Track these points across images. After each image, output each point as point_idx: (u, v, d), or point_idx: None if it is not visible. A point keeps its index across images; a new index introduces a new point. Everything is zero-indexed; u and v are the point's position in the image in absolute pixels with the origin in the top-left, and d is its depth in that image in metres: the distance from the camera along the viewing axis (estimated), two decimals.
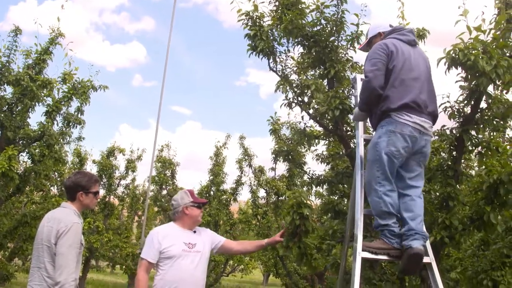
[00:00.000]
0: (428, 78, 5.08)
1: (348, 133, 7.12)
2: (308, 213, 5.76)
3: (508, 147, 6.53)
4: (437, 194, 6.42)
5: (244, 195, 25.66)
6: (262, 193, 18.35)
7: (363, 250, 4.91)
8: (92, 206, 4.85)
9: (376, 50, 4.99)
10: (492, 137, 6.60)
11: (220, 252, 5.64)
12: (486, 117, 5.99)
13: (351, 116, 6.93)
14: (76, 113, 12.18)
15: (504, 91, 6.09)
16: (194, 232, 5.26)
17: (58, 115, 11.58)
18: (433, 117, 5.01)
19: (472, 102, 5.99)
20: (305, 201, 5.84)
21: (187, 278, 4.97)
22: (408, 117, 4.77)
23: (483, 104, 6.08)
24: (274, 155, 16.00)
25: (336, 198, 7.90)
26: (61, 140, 12.15)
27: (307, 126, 7.71)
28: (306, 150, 8.78)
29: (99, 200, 20.89)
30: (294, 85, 7.05)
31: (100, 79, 11.94)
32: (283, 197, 16.44)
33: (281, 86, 7.01)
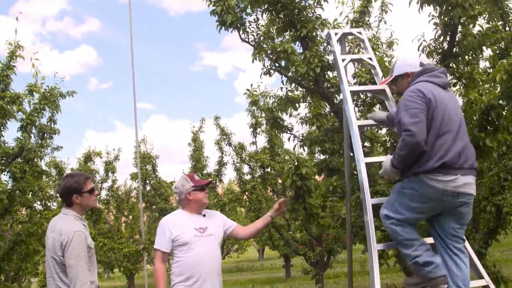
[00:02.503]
0: (464, 126, 4.50)
1: (330, 89, 7.17)
2: (307, 173, 5.81)
3: (484, 76, 6.66)
4: None
5: (229, 175, 25.66)
6: (246, 169, 18.44)
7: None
8: (93, 204, 4.70)
9: (413, 98, 4.33)
10: (467, 69, 6.71)
11: (230, 237, 5.58)
12: (463, 49, 6.06)
13: (330, 73, 6.99)
14: (49, 124, 12.06)
15: (471, 25, 6.17)
16: (204, 215, 5.22)
17: (33, 127, 11.45)
18: (475, 170, 4.43)
19: (448, 37, 6.07)
20: (302, 162, 5.89)
21: (204, 261, 4.95)
22: (442, 179, 4.23)
23: (458, 38, 6.16)
24: (252, 129, 16.15)
25: (326, 156, 7.95)
26: (40, 153, 12.01)
27: (289, 91, 7.73)
28: (290, 116, 8.84)
29: None
30: (269, 52, 7.06)
31: (60, 87, 11.83)
32: (269, 168, 16.57)
33: (257, 55, 7.02)
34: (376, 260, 4.74)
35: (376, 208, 6.53)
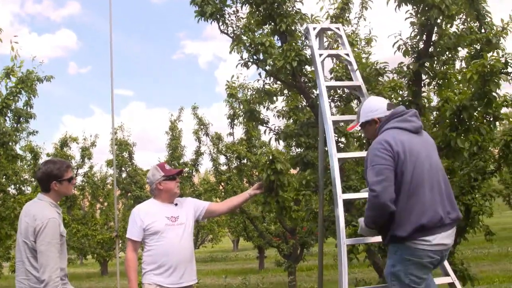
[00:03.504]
0: (442, 172, 4.21)
1: (307, 84, 7.21)
2: (282, 168, 5.85)
3: (460, 76, 6.74)
4: None
5: (205, 165, 25.59)
6: (223, 159, 18.43)
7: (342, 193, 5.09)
8: (69, 193, 4.78)
9: (379, 152, 4.00)
10: (443, 69, 6.78)
11: (207, 217, 5.61)
12: (439, 49, 6.13)
13: (308, 67, 7.03)
14: (25, 108, 11.97)
15: (449, 25, 6.23)
16: (176, 204, 5.25)
17: (8, 111, 11.35)
18: (457, 221, 4.16)
19: (424, 37, 6.13)
20: (277, 157, 5.93)
21: (175, 250, 5.00)
22: (427, 241, 3.95)
23: (434, 38, 6.22)
24: (230, 120, 16.15)
25: (302, 150, 8.02)
26: (15, 137, 11.91)
27: (266, 83, 7.76)
28: (267, 109, 8.87)
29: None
30: (247, 44, 7.07)
31: (38, 71, 11.79)
32: (245, 160, 16.59)
33: (235, 47, 7.03)
34: (345, 254, 4.82)
35: (347, 203, 6.63)
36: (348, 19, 8.66)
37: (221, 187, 18.80)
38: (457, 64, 7.41)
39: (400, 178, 3.95)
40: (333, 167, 5.15)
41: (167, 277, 4.97)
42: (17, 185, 18.53)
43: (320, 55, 5.89)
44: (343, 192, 5.30)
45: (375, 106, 4.43)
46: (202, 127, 19.08)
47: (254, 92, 8.50)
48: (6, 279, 26.15)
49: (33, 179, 20.21)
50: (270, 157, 5.82)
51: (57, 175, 4.53)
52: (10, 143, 11.58)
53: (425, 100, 7.93)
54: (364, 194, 5.09)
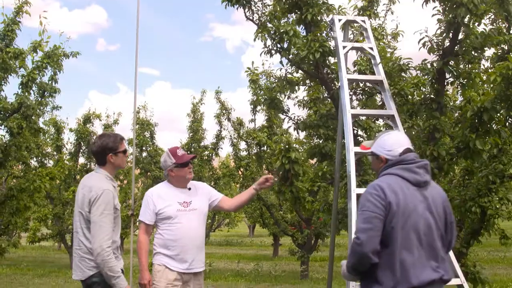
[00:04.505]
0: (439, 232, 3.69)
1: (329, 75, 7.17)
2: (296, 157, 5.84)
3: (485, 77, 6.65)
4: (423, 127, 6.53)
5: (225, 149, 25.56)
6: (243, 145, 18.46)
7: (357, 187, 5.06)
8: (123, 165, 4.85)
9: (372, 197, 3.60)
10: (468, 68, 6.69)
11: (216, 209, 5.58)
12: (464, 48, 6.05)
13: (331, 59, 6.99)
14: (50, 82, 12.10)
15: (476, 23, 6.15)
16: (189, 189, 5.25)
17: (33, 85, 11.48)
18: (445, 282, 3.69)
19: (451, 35, 6.05)
20: (292, 146, 5.92)
21: (186, 235, 5.01)
22: None
23: (460, 36, 6.14)
24: (252, 106, 16.16)
25: (320, 141, 8.00)
26: (38, 110, 12.05)
27: (288, 73, 7.74)
28: (288, 98, 8.85)
29: (81, 169, 20.96)
30: (272, 32, 7.05)
31: (65, 47, 11.91)
32: (265, 147, 16.58)
33: (259, 35, 7.01)
34: None
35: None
36: (376, 12, 8.57)
37: (240, 173, 18.83)
38: (483, 64, 7.33)
39: (389, 229, 3.54)
40: (349, 161, 5.12)
41: (177, 261, 5.00)
42: (39, 158, 18.80)
43: (344, 47, 5.84)
44: (359, 186, 5.27)
45: (390, 146, 3.90)
46: (224, 111, 19.10)
47: (276, 80, 8.49)
48: (24, 249, 26.62)
49: (55, 153, 20.47)
50: (286, 146, 5.81)
51: (113, 147, 4.62)
52: (34, 117, 11.72)
53: (449, 99, 7.88)
54: None
